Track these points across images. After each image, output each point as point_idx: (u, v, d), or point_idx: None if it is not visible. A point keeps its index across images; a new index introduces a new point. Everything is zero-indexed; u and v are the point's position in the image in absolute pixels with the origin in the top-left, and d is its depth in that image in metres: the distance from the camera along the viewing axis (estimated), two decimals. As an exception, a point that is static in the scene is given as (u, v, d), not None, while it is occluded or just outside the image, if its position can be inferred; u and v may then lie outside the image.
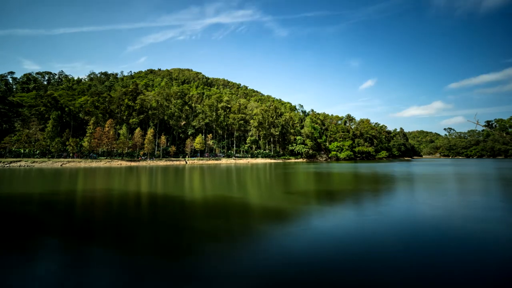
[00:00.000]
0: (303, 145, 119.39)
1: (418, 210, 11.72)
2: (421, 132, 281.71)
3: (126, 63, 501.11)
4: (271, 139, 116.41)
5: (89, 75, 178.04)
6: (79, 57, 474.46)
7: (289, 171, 41.83)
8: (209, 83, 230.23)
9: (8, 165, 58.66)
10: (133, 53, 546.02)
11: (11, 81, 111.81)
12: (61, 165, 62.53)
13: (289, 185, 22.50)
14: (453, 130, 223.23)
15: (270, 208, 12.24)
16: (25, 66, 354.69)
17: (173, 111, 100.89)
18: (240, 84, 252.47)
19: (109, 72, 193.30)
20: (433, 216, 10.43)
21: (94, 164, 66.73)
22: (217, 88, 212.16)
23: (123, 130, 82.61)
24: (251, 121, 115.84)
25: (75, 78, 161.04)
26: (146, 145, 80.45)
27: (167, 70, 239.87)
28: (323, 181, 26.14)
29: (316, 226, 9.12)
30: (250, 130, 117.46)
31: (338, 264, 5.98)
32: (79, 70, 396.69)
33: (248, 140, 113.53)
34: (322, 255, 6.46)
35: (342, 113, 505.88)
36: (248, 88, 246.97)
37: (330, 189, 19.92)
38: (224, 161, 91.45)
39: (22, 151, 68.96)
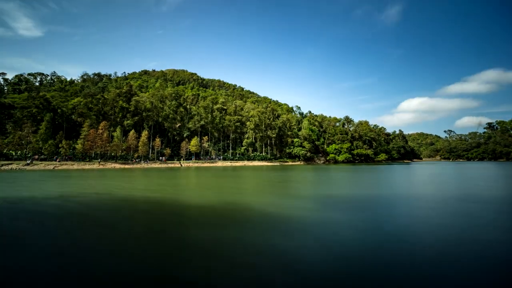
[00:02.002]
0: (301, 148, 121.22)
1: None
2: (421, 134, 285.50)
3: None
4: (268, 141, 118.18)
5: (82, 76, 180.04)
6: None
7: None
8: (204, 84, 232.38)
9: None
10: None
11: (2, 82, 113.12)
12: (53, 168, 63.73)
13: (287, 189, 22.69)
14: (454, 132, 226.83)
15: (266, 216, 11.50)
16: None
17: (168, 113, 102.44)
18: (236, 85, 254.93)
19: (103, 73, 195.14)
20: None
21: (87, 166, 68.02)
22: (212, 89, 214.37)
23: (117, 133, 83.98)
24: (248, 123, 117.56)
25: (68, 79, 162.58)
26: (140, 147, 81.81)
27: (162, 71, 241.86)
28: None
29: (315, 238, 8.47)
30: (246, 132, 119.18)
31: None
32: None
33: (244, 143, 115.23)
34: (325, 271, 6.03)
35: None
36: (244, 89, 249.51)
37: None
38: (220, 164, 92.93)
39: (13, 153, 69.98)
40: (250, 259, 6.66)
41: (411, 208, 13.43)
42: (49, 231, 9.57)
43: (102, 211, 12.89)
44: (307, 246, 7.62)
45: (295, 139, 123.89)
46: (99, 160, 76.26)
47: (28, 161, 64.47)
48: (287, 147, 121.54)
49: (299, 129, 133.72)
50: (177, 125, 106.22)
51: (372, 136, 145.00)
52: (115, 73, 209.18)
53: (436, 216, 11.49)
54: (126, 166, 73.41)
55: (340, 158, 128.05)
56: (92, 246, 7.70)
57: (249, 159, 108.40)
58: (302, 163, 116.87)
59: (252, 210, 12.71)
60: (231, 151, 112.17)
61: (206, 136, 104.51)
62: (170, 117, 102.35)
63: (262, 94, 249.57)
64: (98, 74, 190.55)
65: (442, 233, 8.95)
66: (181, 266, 6.34)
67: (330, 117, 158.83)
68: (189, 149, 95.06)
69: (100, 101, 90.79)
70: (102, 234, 8.99)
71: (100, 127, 78.62)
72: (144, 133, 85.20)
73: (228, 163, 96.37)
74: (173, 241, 8.10)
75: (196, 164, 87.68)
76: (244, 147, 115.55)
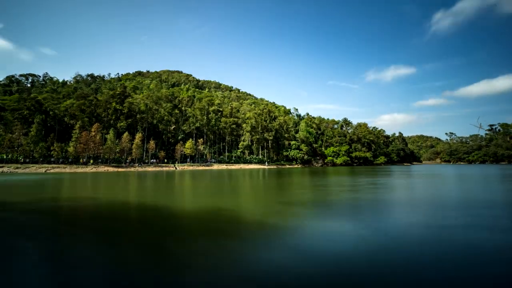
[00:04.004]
0: (298, 150, 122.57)
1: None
2: (421, 136, 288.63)
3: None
4: (265, 144, 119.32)
5: (75, 77, 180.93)
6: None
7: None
8: (200, 85, 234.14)
9: (-10, 170, 60.44)
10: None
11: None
12: (45, 171, 64.42)
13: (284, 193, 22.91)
14: (454, 134, 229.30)
15: (261, 226, 10.89)
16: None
17: (163, 115, 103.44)
18: (232, 87, 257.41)
19: (96, 74, 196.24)
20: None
21: (80, 170, 68.75)
22: (208, 91, 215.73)
23: (110, 135, 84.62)
24: (244, 125, 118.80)
25: (60, 80, 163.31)
26: (134, 150, 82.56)
27: (156, 72, 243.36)
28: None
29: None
30: (242, 135, 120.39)
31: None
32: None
33: (240, 145, 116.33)
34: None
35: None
36: (241, 91, 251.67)
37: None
38: (215, 167, 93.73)
39: (4, 156, 70.63)
40: (243, 273, 6.40)
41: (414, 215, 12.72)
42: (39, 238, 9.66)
43: (88, 218, 12.68)
44: (302, 257, 7.28)
45: (292, 142, 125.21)
46: (91, 162, 76.96)
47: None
48: (284, 150, 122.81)
49: (296, 132, 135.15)
50: (172, 127, 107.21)
51: (371, 138, 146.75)
52: (109, 74, 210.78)
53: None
54: (120, 170, 74.17)
55: (338, 161, 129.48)
56: (77, 254, 7.79)
57: (245, 162, 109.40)
58: (299, 166, 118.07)
59: (247, 220, 11.96)
60: (227, 154, 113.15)
61: (202, 139, 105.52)
62: (165, 119, 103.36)
63: (259, 96, 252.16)
64: (91, 75, 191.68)
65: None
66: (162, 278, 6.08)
67: (328, 119, 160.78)
68: (184, 152, 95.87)
69: (93, 102, 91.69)
70: (85, 242, 8.93)
71: (92, 130, 79.45)
72: (138, 136, 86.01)
73: (224, 166, 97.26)
74: (156, 252, 7.82)
75: (191, 167, 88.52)
76: (240, 150, 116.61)
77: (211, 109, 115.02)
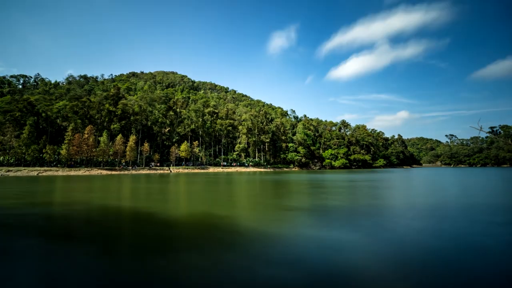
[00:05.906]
0: (296, 153, 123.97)
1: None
2: (421, 139, 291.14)
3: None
4: (262, 146, 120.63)
5: (67, 78, 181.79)
6: None
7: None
8: (195, 86, 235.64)
9: (-18, 173, 61.27)
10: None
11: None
12: (37, 174, 65.32)
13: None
14: (455, 137, 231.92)
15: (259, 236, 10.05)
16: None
17: (157, 117, 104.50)
18: (228, 88, 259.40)
19: (89, 75, 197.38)
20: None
21: (72, 173, 69.70)
22: (203, 92, 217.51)
23: (104, 137, 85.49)
24: (240, 127, 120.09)
25: (53, 81, 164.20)
26: (128, 152, 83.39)
27: (151, 73, 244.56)
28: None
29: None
30: (238, 137, 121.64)
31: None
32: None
33: (236, 148, 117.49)
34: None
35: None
36: (237, 92, 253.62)
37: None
38: (211, 170, 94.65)
39: (-4, 159, 71.53)
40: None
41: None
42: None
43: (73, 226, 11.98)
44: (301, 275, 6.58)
45: (290, 144, 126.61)
46: (83, 165, 77.80)
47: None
48: (281, 153, 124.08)
49: (294, 134, 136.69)
50: (167, 130, 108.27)
51: (370, 140, 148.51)
52: (102, 75, 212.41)
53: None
54: (113, 173, 75.14)
55: (337, 163, 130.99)
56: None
57: (241, 165, 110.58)
58: (297, 169, 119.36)
59: (243, 229, 11.18)
60: (223, 156, 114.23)
61: (197, 141, 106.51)
62: (159, 121, 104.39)
63: (255, 97, 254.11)
64: (84, 77, 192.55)
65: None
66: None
67: (326, 121, 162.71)
68: (179, 155, 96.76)
69: (86, 104, 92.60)
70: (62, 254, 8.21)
71: (85, 132, 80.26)
72: (132, 138, 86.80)
73: (219, 169, 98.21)
74: (143, 267, 7.09)
75: (186, 170, 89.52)
76: (237, 153, 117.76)
77: (206, 110, 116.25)
